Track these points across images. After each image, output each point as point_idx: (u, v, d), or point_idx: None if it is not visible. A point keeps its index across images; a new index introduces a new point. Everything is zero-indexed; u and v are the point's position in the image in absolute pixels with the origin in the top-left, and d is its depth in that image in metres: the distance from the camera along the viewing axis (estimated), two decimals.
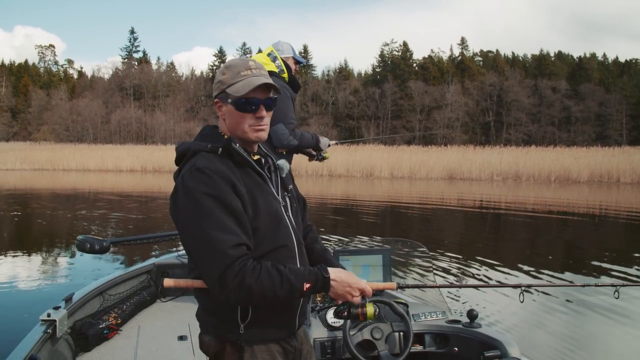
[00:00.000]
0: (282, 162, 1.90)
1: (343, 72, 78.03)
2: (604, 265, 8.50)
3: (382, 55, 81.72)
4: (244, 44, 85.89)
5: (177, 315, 4.04)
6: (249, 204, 1.67)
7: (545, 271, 7.96)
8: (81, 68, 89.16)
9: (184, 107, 74.08)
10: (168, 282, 1.78)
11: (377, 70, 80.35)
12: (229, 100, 1.75)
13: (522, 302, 2.44)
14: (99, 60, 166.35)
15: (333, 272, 1.71)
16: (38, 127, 70.09)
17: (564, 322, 5.49)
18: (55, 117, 68.81)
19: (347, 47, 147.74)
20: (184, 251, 4.83)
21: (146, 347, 3.38)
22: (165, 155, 37.50)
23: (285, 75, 3.87)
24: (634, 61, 78.45)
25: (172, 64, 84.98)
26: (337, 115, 71.15)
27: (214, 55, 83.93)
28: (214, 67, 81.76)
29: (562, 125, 68.61)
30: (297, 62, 4.07)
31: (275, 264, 1.64)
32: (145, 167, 35.77)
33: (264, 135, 1.80)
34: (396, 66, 76.91)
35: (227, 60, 1.90)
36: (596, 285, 2.61)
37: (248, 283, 1.56)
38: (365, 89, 73.42)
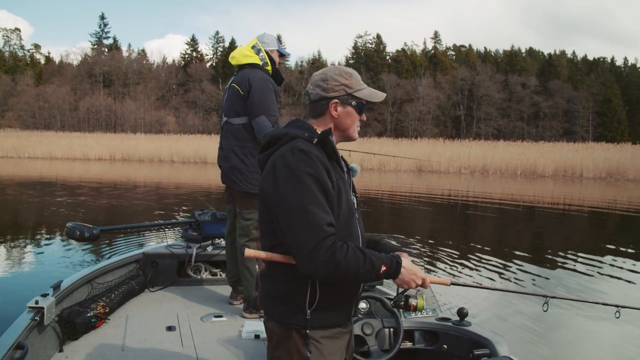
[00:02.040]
0: (355, 165, 2.06)
1: (316, 63, 77.70)
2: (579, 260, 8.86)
3: (355, 47, 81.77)
4: (217, 33, 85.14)
5: (166, 305, 4.01)
6: (336, 192, 1.80)
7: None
8: (49, 53, 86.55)
9: (154, 96, 72.76)
10: (249, 252, 1.86)
11: (351, 62, 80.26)
12: (353, 103, 1.95)
13: (545, 311, 2.36)
14: (68, 45, 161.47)
15: (404, 260, 1.85)
16: (2, 114, 67.94)
17: (555, 323, 5.56)
18: (21, 103, 66.89)
19: (321, 38, 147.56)
20: (174, 241, 4.91)
21: (134, 337, 3.34)
22: (134, 144, 36.96)
23: (269, 68, 3.88)
24: (601, 60, 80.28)
25: (143, 51, 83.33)
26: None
27: (187, 44, 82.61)
28: (186, 56, 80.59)
29: (531, 120, 69.83)
30: (281, 55, 4.08)
31: (358, 246, 1.78)
32: (114, 156, 35.25)
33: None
34: (369, 58, 77.04)
35: (333, 66, 2.05)
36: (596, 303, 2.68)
37: (337, 258, 1.67)
38: None
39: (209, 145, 35.12)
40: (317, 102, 1.95)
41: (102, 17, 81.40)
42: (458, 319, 2.94)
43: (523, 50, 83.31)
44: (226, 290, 4.31)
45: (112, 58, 75.09)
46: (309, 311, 1.79)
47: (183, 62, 79.68)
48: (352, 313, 1.99)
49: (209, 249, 4.71)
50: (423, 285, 1.90)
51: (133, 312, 3.80)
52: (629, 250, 9.91)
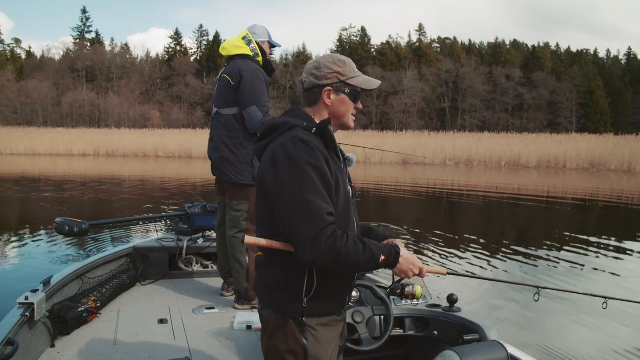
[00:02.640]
0: (351, 155, 2.06)
1: (301, 57, 77.58)
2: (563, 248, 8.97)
3: (340, 40, 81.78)
4: (201, 26, 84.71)
5: (157, 298, 4.01)
6: (334, 181, 1.80)
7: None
8: (30, 48, 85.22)
9: (138, 90, 72.14)
10: (249, 239, 1.84)
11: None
12: (347, 91, 1.96)
13: (536, 301, 2.43)
14: (49, 40, 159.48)
15: (402, 250, 1.86)
16: None
17: (544, 311, 5.62)
18: (1, 99, 65.85)
19: (306, 31, 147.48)
20: (164, 235, 4.89)
21: (126, 331, 3.34)
22: (119, 139, 36.61)
23: (260, 59, 3.87)
24: (584, 51, 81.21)
25: (126, 45, 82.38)
26: (294, 99, 70.73)
27: (170, 37, 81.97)
28: (170, 50, 79.93)
29: (516, 112, 70.43)
30: (272, 46, 4.07)
31: (358, 235, 1.78)
32: (98, 151, 34.91)
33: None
34: (354, 51, 76.98)
35: (327, 54, 2.04)
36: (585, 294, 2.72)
37: (338, 247, 1.67)
38: None
39: (194, 139, 35.02)
40: (311, 90, 1.96)
41: (84, 11, 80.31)
42: (448, 305, 2.96)
43: (507, 43, 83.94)
44: (217, 282, 4.32)
45: (94, 52, 74.24)
46: (305, 299, 1.80)
47: (167, 57, 78.92)
48: (347, 301, 2.01)
49: (200, 241, 4.71)
50: (420, 274, 1.92)
51: (125, 306, 3.80)
52: (613, 240, 10.07)
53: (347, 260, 1.71)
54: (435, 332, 2.93)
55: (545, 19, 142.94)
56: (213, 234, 4.75)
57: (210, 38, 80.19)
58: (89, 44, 78.02)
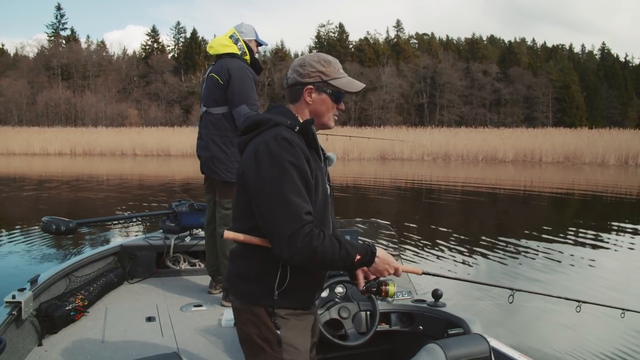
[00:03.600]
0: (332, 155, 2.10)
1: (279, 53, 77.37)
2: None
3: (318, 36, 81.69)
4: (179, 23, 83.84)
5: (145, 296, 4.00)
6: (313, 180, 1.84)
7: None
8: (2, 45, 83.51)
9: (115, 88, 71.18)
10: (228, 234, 1.88)
11: (313, 51, 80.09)
12: (329, 91, 1.97)
13: (511, 303, 2.51)
14: (23, 37, 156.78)
15: (378, 250, 1.91)
16: None
17: (520, 310, 5.71)
18: None
19: (284, 27, 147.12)
20: (153, 234, 4.88)
21: (114, 329, 3.33)
22: (96, 138, 36.13)
23: (248, 57, 3.89)
24: (560, 47, 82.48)
25: (102, 42, 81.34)
26: (273, 96, 70.53)
27: (147, 34, 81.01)
28: (147, 47, 79.04)
29: (493, 107, 71.16)
30: (259, 44, 4.08)
31: (335, 234, 1.83)
32: (75, 150, 34.46)
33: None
34: (332, 47, 76.96)
35: (314, 53, 2.06)
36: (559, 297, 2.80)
37: (314, 245, 1.72)
38: None
39: (172, 137, 34.70)
40: (293, 86, 1.98)
41: (59, 8, 78.86)
42: (433, 300, 3.01)
43: (484, 38, 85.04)
44: (205, 280, 4.33)
45: (70, 50, 72.99)
46: (277, 292, 1.85)
47: (144, 54, 78.02)
48: (317, 297, 2.07)
49: (187, 239, 4.70)
50: (396, 273, 1.99)
51: (112, 304, 3.79)
52: (589, 232, 10.29)
53: (323, 258, 1.76)
54: (421, 327, 2.98)
55: (522, 14, 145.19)
56: (200, 232, 4.75)
57: (188, 35, 79.48)
58: (64, 41, 76.68)
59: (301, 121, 1.92)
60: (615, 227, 10.84)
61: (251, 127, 1.91)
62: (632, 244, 9.31)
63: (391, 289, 2.06)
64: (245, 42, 3.90)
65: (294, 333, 1.91)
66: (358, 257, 1.83)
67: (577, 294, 4.65)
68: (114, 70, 74.50)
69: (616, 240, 9.54)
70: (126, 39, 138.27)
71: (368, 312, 2.79)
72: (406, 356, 2.20)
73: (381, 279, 2.02)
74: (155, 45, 79.58)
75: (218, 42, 3.89)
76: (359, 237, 3.50)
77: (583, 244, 9.07)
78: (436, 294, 3.00)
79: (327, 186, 2.00)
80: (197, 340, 3.21)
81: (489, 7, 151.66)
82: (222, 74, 3.75)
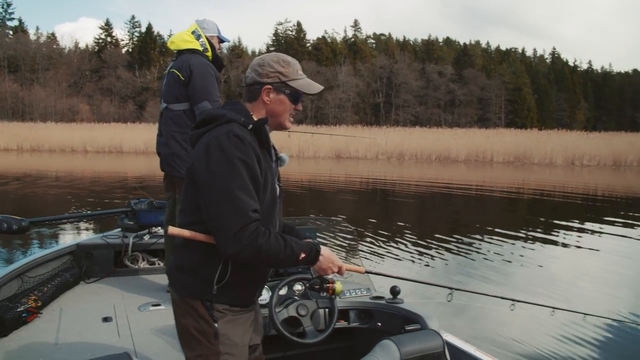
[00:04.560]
0: (284, 155, 2.10)
1: (236, 50, 76.74)
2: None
3: (276, 34, 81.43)
4: (133, 17, 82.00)
5: (102, 296, 3.90)
6: (263, 179, 1.85)
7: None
8: None
9: (66, 82, 69.04)
10: (172, 229, 1.88)
11: (271, 49, 79.68)
12: (287, 92, 1.99)
13: (449, 301, 2.64)
14: None
15: (322, 248, 1.95)
16: None
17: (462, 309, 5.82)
18: None
19: (242, 25, 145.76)
20: (110, 232, 4.77)
21: (68, 330, 3.23)
22: (45, 133, 35.07)
23: (209, 53, 3.86)
24: (513, 50, 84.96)
25: (53, 34, 78.58)
26: (229, 93, 69.79)
27: (101, 28, 78.79)
28: (100, 41, 77.01)
29: (447, 107, 72.68)
30: (221, 40, 4.06)
31: (279, 232, 1.86)
32: (22, 146, 33.41)
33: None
34: (290, 46, 76.85)
35: (274, 53, 2.05)
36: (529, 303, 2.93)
37: (260, 243, 1.74)
38: None
39: (125, 134, 34.11)
40: (252, 85, 1.99)
41: None
42: (391, 297, 3.05)
43: (440, 40, 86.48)
44: (164, 279, 4.26)
45: (17, 41, 70.32)
46: (216, 287, 1.86)
47: (97, 48, 75.91)
48: (257, 296, 2.09)
49: (146, 238, 4.62)
50: (339, 272, 2.03)
51: (67, 305, 3.67)
52: (538, 230, 10.68)
53: (268, 255, 1.78)
54: (379, 324, 3.02)
55: (477, 18, 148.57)
56: (160, 231, 4.68)
57: (143, 29, 77.86)
58: (11, 32, 73.88)
59: (255, 120, 1.93)
60: (564, 226, 11.26)
61: (205, 121, 1.91)
62: (578, 242, 9.74)
63: (337, 287, 2.10)
64: (207, 38, 3.87)
65: (231, 326, 1.92)
66: (303, 255, 1.87)
67: (519, 292, 4.83)
68: (65, 64, 72.16)
69: (564, 238, 9.95)
70: (78, 32, 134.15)
71: (326, 310, 2.79)
72: (366, 352, 2.23)
73: (326, 277, 2.06)
74: (108, 39, 77.56)
75: (179, 37, 3.85)
76: (317, 234, 3.52)
77: (533, 242, 9.42)
78: (394, 291, 3.04)
79: (277, 186, 2.02)
80: (155, 340, 3.16)
81: (445, 9, 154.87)
82: (183, 70, 3.71)
